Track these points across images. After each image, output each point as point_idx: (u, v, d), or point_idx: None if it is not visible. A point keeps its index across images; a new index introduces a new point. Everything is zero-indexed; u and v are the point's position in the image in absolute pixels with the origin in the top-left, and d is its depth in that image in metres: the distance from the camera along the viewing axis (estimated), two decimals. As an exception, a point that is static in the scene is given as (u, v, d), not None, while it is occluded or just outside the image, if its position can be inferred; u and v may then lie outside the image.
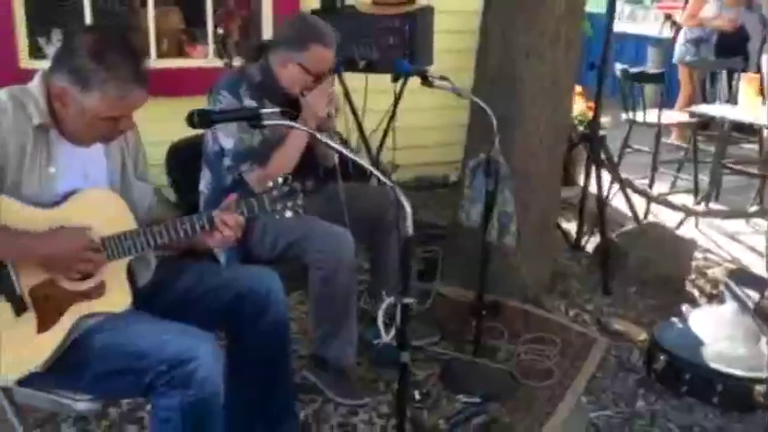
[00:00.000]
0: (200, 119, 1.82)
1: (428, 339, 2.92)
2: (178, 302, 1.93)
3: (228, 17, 4.53)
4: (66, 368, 1.69)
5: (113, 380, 1.69)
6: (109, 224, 1.74)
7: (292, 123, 1.97)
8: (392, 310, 1.84)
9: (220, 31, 4.29)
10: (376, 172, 1.79)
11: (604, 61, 3.54)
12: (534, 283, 3.33)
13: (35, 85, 1.71)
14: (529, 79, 3.08)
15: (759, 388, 2.61)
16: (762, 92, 4.44)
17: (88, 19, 3.96)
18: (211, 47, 4.32)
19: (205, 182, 2.54)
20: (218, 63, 4.17)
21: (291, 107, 2.40)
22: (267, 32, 4.36)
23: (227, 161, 2.40)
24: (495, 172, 2.48)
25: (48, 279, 1.65)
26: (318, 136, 1.90)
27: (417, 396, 2.57)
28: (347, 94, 3.43)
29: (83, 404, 1.77)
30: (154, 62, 4.04)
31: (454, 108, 4.25)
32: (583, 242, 3.91)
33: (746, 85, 4.41)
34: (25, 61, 3.91)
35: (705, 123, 5.22)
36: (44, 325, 1.64)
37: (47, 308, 1.65)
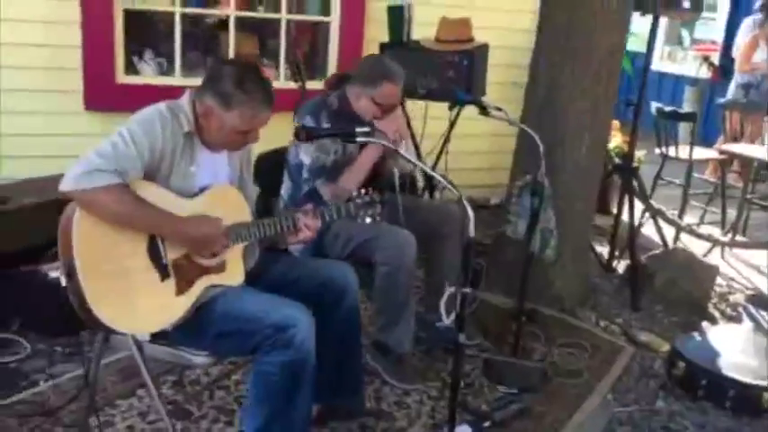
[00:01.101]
0: (306, 133, 2.26)
1: (471, 341, 3.29)
2: (275, 284, 2.32)
3: (297, 45, 5.01)
4: (191, 328, 2.11)
5: (228, 339, 2.10)
6: (232, 214, 2.19)
7: (374, 140, 2.38)
8: (453, 298, 2.24)
9: (295, 57, 4.74)
10: (447, 184, 2.18)
11: (640, 98, 3.92)
12: (569, 296, 3.70)
13: (185, 100, 2.16)
14: (571, 112, 3.47)
15: (767, 395, 2.94)
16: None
17: (178, 40, 4.43)
18: (282, 71, 4.80)
19: (285, 188, 2.96)
20: (292, 85, 4.62)
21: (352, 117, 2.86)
22: (332, 61, 4.82)
23: (305, 174, 2.83)
24: (540, 192, 2.87)
25: (185, 254, 2.09)
26: (396, 148, 2.33)
27: (462, 384, 2.94)
28: (408, 124, 3.82)
29: (200, 359, 2.19)
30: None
31: (499, 136, 4.66)
32: (614, 264, 4.25)
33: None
34: (121, 77, 4.36)
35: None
36: (180, 290, 2.07)
37: (183, 277, 2.08)
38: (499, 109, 2.96)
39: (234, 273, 2.20)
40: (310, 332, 2.09)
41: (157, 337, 2.15)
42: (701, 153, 5.27)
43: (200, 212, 2.10)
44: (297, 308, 2.12)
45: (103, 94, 4.24)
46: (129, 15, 4.28)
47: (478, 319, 3.44)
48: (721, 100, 6.34)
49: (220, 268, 2.16)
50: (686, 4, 3.82)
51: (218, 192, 2.20)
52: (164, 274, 2.05)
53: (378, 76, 2.84)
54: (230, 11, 4.57)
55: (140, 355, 2.19)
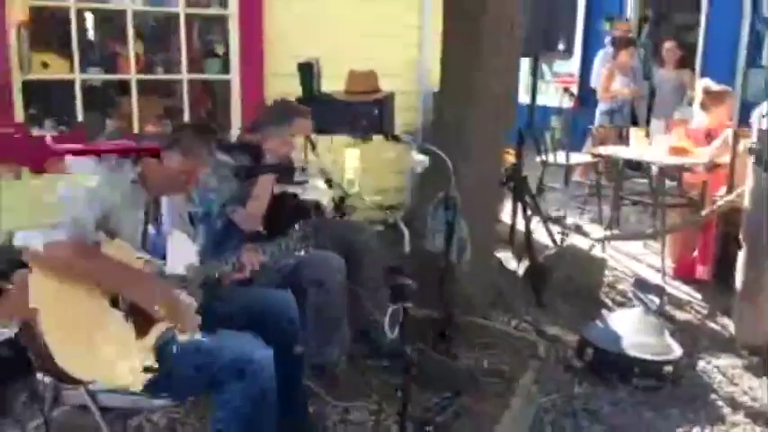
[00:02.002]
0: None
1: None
2: (221, 318, 2.40)
3: (200, 104, 5.06)
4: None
5: (185, 378, 2.15)
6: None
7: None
8: (395, 313, 2.40)
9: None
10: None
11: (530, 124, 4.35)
12: (480, 300, 3.95)
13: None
14: (476, 140, 3.80)
15: (667, 368, 3.30)
16: (647, 135, 5.32)
17: (79, 106, 4.32)
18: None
19: (201, 233, 2.99)
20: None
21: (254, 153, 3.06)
22: (236, 117, 4.86)
23: (214, 209, 2.92)
24: (453, 206, 3.10)
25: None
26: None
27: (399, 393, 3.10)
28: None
29: (159, 401, 2.22)
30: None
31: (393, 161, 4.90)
32: (514, 267, 4.57)
33: (635, 132, 5.28)
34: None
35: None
36: (140, 334, 2.10)
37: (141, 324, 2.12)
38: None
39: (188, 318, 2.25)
40: (268, 360, 2.18)
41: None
42: (574, 158, 5.77)
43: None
44: (251, 338, 2.21)
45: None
46: (28, 85, 4.15)
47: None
48: (590, 126, 7.01)
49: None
50: (561, 47, 4.28)
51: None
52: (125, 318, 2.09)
53: (284, 116, 3.14)
54: (131, 74, 4.54)
55: (95, 406, 2.19)
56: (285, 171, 3.07)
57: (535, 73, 4.52)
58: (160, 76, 4.93)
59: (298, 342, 2.59)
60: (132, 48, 4.48)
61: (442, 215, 3.13)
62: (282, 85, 4.42)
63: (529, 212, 4.40)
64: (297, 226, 2.51)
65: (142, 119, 4.63)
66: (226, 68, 4.86)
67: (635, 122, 7.26)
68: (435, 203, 3.15)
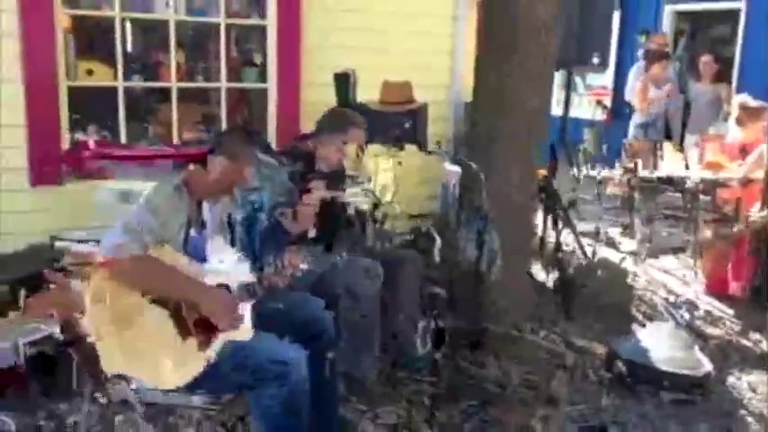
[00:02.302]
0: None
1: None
2: (258, 321, 2.48)
3: (237, 112, 5.20)
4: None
5: (229, 375, 2.23)
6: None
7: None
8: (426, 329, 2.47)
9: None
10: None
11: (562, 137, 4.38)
12: (512, 312, 3.97)
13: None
14: (508, 152, 3.86)
15: (696, 382, 3.30)
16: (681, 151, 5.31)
17: (122, 113, 4.44)
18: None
19: (242, 229, 3.08)
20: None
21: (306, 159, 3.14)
22: (272, 125, 4.89)
23: (262, 215, 2.99)
24: (485, 216, 3.15)
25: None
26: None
27: (427, 400, 3.15)
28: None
29: (197, 398, 2.31)
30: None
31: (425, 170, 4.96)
32: (546, 280, 4.59)
33: (669, 147, 5.28)
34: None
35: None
36: (201, 347, 2.21)
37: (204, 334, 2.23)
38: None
39: (243, 328, 2.33)
40: (302, 362, 2.26)
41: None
42: (605, 172, 5.77)
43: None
44: (290, 345, 2.30)
45: (49, 170, 4.19)
46: (73, 91, 4.27)
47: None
48: (625, 140, 7.01)
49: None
50: (596, 61, 4.31)
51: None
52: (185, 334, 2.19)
53: (340, 123, 3.18)
54: (172, 82, 4.66)
55: (140, 403, 2.28)
56: (336, 178, 3.13)
57: (569, 86, 4.56)
58: (200, 84, 5.07)
59: (331, 347, 2.65)
60: (174, 56, 4.62)
61: (474, 225, 3.18)
62: (319, 94, 4.51)
63: (560, 225, 4.42)
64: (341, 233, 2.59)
65: (181, 126, 4.74)
66: (263, 77, 4.97)
67: (668, 137, 7.20)
68: (467, 214, 3.20)
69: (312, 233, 2.87)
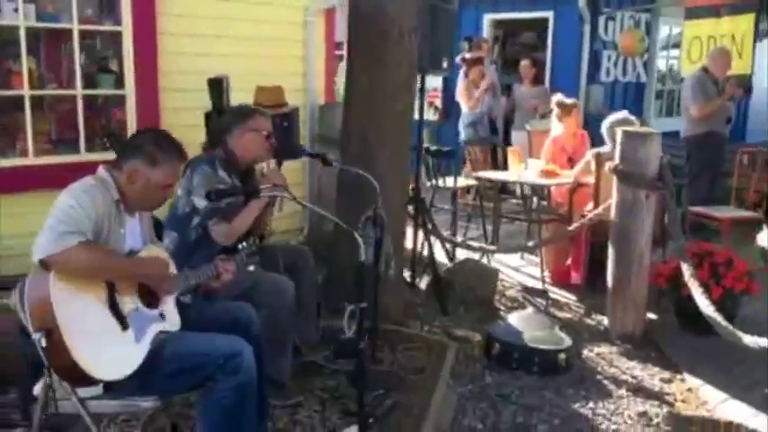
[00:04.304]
0: (216, 193, 2.66)
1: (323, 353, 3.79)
2: (197, 326, 2.66)
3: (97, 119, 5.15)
4: (143, 374, 2.35)
5: (181, 376, 2.39)
6: (163, 270, 2.51)
7: (283, 193, 2.86)
8: (353, 313, 2.77)
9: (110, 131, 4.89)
10: (338, 221, 2.73)
11: (420, 143, 4.81)
12: (394, 310, 4.36)
13: (103, 174, 2.45)
14: (381, 159, 4.20)
15: (561, 356, 3.87)
16: (523, 159, 6.01)
17: None
18: (82, 144, 4.87)
19: (170, 240, 3.23)
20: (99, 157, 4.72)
21: (247, 175, 3.34)
22: (132, 130, 4.97)
23: (195, 221, 3.16)
24: (381, 222, 3.51)
25: (136, 307, 2.36)
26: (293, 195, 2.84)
27: (338, 395, 3.44)
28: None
29: (148, 403, 2.44)
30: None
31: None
32: (416, 281, 5.04)
33: (512, 155, 5.97)
34: None
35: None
36: (137, 338, 2.33)
37: (138, 326, 2.35)
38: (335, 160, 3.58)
39: (172, 319, 2.51)
40: (252, 357, 2.48)
41: (108, 390, 2.36)
42: (460, 181, 6.39)
43: None
44: (235, 338, 2.50)
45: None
46: None
47: (329, 341, 3.95)
48: (460, 140, 7.71)
49: (162, 317, 2.46)
50: (445, 65, 4.80)
51: (149, 252, 2.53)
52: (124, 326, 2.31)
53: (245, 113, 3.41)
54: (24, 90, 4.57)
55: (86, 413, 2.38)
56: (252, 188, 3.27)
57: (423, 89, 4.72)
58: (54, 91, 4.93)
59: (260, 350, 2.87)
60: (25, 63, 4.51)
61: (371, 232, 3.52)
62: (176, 100, 4.76)
63: (429, 230, 4.89)
64: (245, 243, 2.83)
65: (36, 135, 4.66)
66: (120, 84, 4.97)
67: (494, 132, 8.10)
68: (363, 221, 3.54)
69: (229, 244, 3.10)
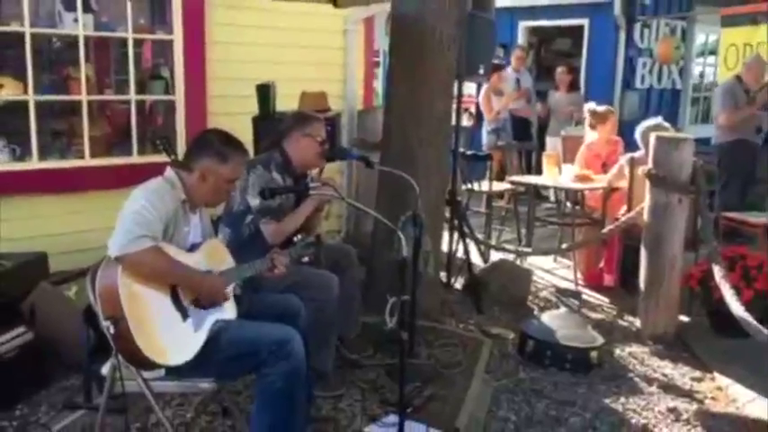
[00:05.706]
0: (270, 191, 2.86)
1: (364, 353, 3.96)
2: (247, 315, 2.85)
3: (148, 123, 5.41)
4: (200, 359, 2.54)
5: (236, 361, 2.58)
6: (220, 262, 2.72)
7: (328, 193, 3.05)
8: (394, 306, 2.93)
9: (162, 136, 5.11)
10: (384, 220, 2.89)
11: (456, 146, 4.96)
12: (431, 308, 4.52)
13: (171, 175, 2.65)
14: (421, 161, 4.36)
15: (593, 353, 3.99)
16: (558, 164, 6.12)
17: (33, 126, 4.58)
18: (135, 147, 5.13)
19: (224, 236, 3.43)
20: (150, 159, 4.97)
21: (300, 179, 3.54)
22: (181, 135, 5.26)
23: (248, 218, 3.35)
24: (420, 222, 3.67)
25: (196, 298, 2.57)
26: (342, 196, 3.02)
27: (377, 386, 3.61)
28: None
29: (205, 384, 2.64)
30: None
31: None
32: (452, 281, 5.19)
33: (547, 160, 6.08)
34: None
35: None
36: (197, 327, 2.54)
37: (197, 316, 2.55)
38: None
39: (229, 309, 2.70)
40: (301, 345, 2.65)
41: (170, 373, 2.56)
42: (496, 186, 6.53)
43: (203, 264, 2.64)
44: (286, 327, 2.68)
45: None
46: None
47: (367, 336, 4.12)
48: (484, 148, 7.91)
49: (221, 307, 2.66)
50: (482, 71, 4.96)
51: (210, 246, 2.74)
52: (184, 316, 2.51)
53: (303, 118, 3.61)
54: (82, 96, 4.83)
55: (150, 392, 2.58)
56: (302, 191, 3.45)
57: (460, 95, 4.92)
58: (109, 96, 5.24)
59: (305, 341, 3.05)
60: (84, 70, 4.77)
61: (410, 231, 3.68)
62: (222, 105, 4.97)
63: (465, 232, 5.04)
64: (300, 236, 3.01)
65: (91, 138, 4.90)
66: (170, 89, 5.23)
67: (519, 139, 8.15)
68: (403, 221, 3.70)
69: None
